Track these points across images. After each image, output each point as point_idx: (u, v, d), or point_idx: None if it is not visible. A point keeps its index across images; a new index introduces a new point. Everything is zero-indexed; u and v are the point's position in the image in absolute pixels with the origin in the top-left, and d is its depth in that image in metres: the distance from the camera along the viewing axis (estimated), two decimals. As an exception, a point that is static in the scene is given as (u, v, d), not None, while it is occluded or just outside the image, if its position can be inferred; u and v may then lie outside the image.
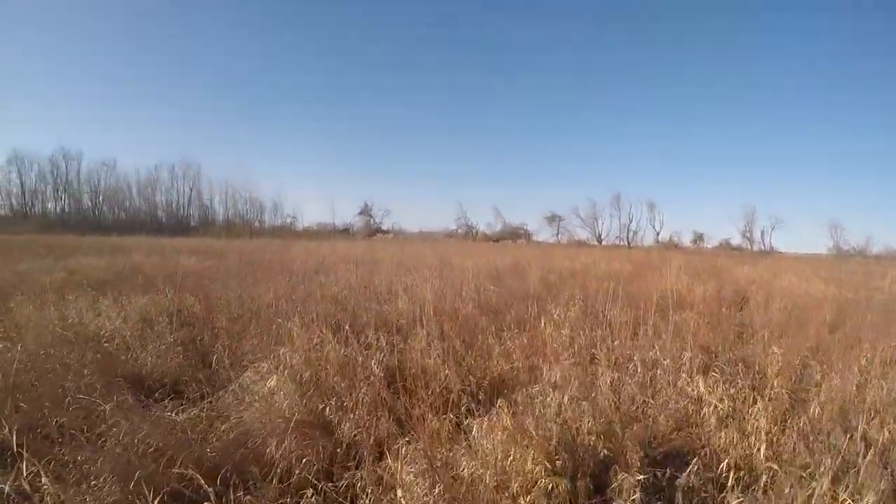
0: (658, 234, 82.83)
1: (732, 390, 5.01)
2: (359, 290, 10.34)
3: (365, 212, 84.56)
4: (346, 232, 77.59)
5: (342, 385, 4.96)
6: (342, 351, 5.59)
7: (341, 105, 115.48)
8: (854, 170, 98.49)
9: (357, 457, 3.97)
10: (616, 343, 6.46)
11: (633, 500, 3.20)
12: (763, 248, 77.20)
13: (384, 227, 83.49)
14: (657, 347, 6.07)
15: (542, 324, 7.31)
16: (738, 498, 3.26)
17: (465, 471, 3.51)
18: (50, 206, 71.69)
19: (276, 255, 21.60)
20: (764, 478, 3.50)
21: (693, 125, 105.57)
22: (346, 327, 6.16)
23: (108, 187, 74.35)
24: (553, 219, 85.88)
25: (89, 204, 73.50)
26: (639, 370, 5.62)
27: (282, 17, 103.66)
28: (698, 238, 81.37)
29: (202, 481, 3.10)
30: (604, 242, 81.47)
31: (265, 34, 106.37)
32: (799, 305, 10.49)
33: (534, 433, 3.65)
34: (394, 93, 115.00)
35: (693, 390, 5.09)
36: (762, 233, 79.34)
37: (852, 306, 9.76)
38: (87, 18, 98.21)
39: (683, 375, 5.44)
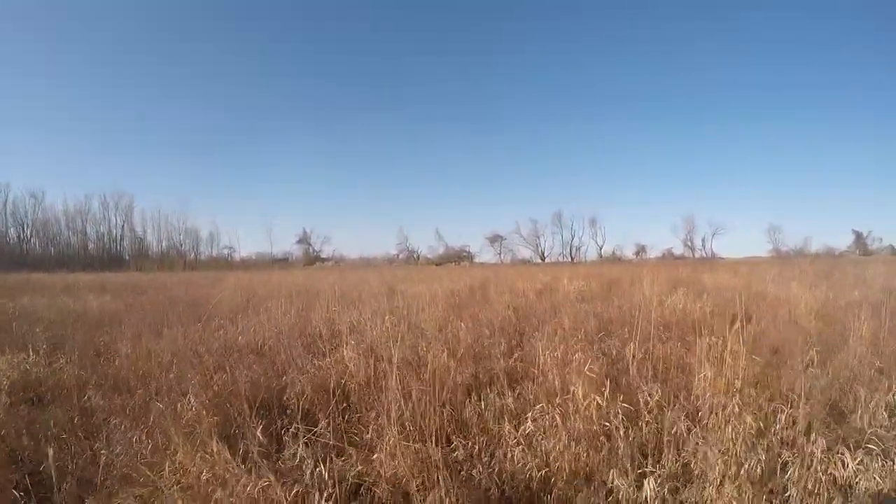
0: (601, 248, 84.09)
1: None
2: (291, 336, 8.69)
3: (304, 240, 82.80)
4: (284, 261, 75.35)
5: None
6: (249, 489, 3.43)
7: (277, 133, 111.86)
8: (791, 172, 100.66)
9: None
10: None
11: None
12: (704, 254, 79.03)
13: (324, 255, 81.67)
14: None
15: (550, 377, 5.71)
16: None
17: None
18: None
19: (203, 289, 19.66)
20: None
21: (631, 138, 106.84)
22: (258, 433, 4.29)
23: (36, 220, 71.04)
24: (495, 239, 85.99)
25: (16, 238, 69.88)
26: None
27: (213, 44, 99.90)
28: (641, 250, 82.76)
29: None
30: (547, 259, 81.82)
31: (195, 61, 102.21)
32: (824, 316, 9.41)
33: None
34: (329, 117, 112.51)
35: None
36: (703, 240, 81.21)
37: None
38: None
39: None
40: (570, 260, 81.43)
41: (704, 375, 5.23)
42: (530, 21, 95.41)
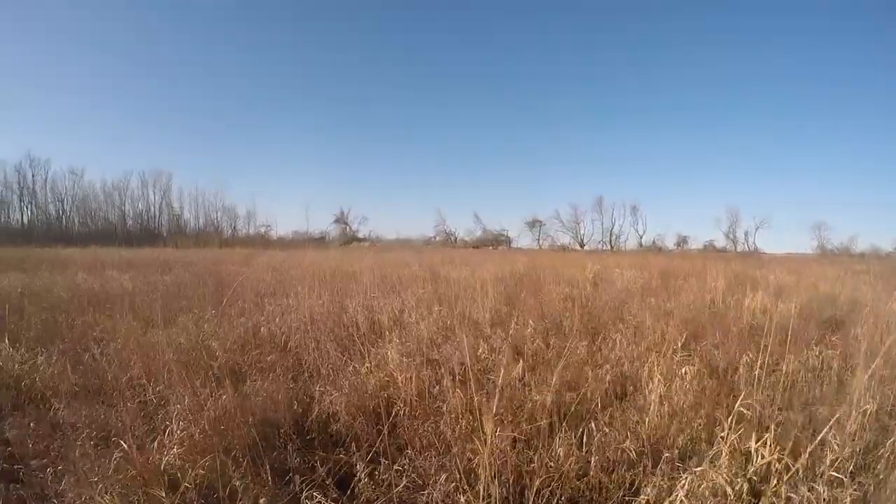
0: (641, 237, 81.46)
1: None
2: (323, 327, 7.30)
3: (341, 219, 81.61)
4: (321, 240, 74.37)
5: None
6: None
7: (317, 113, 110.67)
8: (839, 169, 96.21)
9: None
10: None
11: None
12: (747, 248, 75.71)
13: (360, 235, 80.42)
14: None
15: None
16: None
17: None
18: (16, 215, 68.39)
19: (233, 268, 18.46)
20: None
21: (677, 127, 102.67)
22: None
23: (75, 196, 71.13)
24: (534, 224, 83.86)
25: (56, 214, 70.11)
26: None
27: (257, 23, 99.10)
28: (682, 241, 79.88)
29: None
30: (586, 247, 79.72)
31: (238, 43, 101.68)
32: None
33: None
34: (371, 99, 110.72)
35: None
36: (746, 233, 77.92)
37: None
38: (58, 23, 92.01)
39: None
40: (609, 248, 79.29)
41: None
42: (575, 5, 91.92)
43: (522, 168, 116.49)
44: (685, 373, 4.94)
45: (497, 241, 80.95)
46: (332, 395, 4.66)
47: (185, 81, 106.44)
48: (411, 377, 4.90)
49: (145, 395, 4.70)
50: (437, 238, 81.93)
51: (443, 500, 3.04)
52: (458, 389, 4.24)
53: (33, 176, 68.51)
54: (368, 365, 5.49)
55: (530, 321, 7.57)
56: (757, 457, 3.04)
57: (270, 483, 3.08)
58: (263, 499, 2.88)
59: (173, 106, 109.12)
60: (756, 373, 4.47)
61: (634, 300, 10.55)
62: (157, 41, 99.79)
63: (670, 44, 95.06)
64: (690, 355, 5.88)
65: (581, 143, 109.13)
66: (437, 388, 4.94)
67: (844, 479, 3.02)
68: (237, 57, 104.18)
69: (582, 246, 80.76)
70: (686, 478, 3.02)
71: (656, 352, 5.64)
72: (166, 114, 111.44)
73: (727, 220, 78.22)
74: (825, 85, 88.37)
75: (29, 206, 68.82)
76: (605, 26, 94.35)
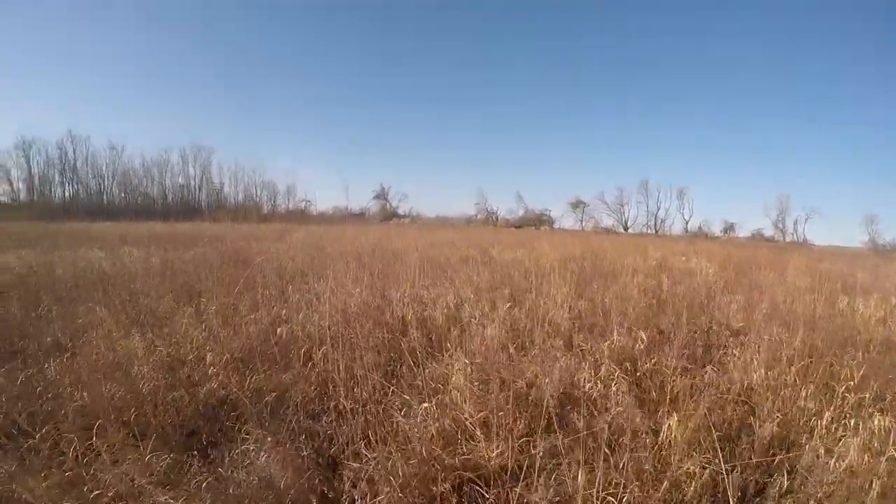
0: (687, 222, 77.80)
1: None
2: (361, 325, 5.56)
3: (381, 196, 79.97)
4: (361, 216, 73.12)
5: None
6: None
7: (359, 89, 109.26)
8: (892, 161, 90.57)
9: None
10: None
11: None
12: (795, 239, 71.84)
13: (401, 212, 78.82)
14: None
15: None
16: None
17: None
18: (58, 191, 68.57)
19: (266, 244, 16.87)
20: None
21: (726, 112, 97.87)
22: None
23: (116, 171, 71.24)
24: (577, 205, 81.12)
25: (98, 189, 70.15)
26: None
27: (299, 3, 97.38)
28: (728, 228, 75.92)
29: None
30: (630, 230, 77.13)
31: (279, 19, 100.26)
32: None
33: None
34: (413, 77, 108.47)
35: None
36: (795, 223, 73.59)
37: None
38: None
39: None
40: (654, 232, 76.23)
41: None
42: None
43: (567, 148, 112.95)
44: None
45: (539, 222, 78.60)
46: (370, 463, 2.85)
47: (228, 58, 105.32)
48: (498, 433, 3.08)
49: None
50: (479, 217, 79.93)
51: None
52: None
53: (74, 152, 68.71)
54: (427, 405, 3.66)
55: (631, 328, 5.69)
56: None
57: None
58: None
59: (215, 82, 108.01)
60: None
61: (719, 297, 8.62)
62: (196, 16, 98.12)
63: (720, 30, 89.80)
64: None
65: (627, 124, 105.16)
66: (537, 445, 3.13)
67: None
68: (282, 33, 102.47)
69: (626, 229, 77.99)
70: None
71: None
72: (210, 90, 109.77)
73: (777, 209, 74.18)
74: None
75: (70, 182, 69.24)
76: (664, 6, 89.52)
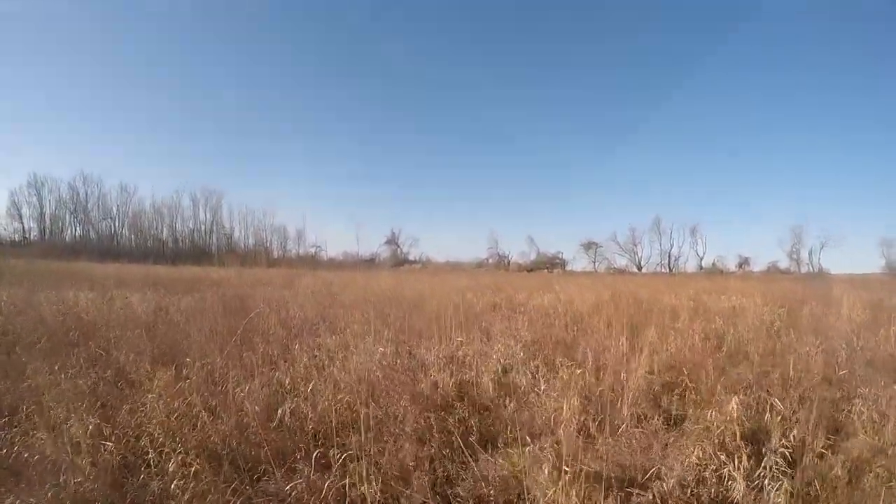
0: (701, 259, 76.99)
1: None
2: (388, 396, 4.28)
3: (392, 241, 79.55)
4: (371, 262, 72.23)
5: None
6: None
7: (368, 134, 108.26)
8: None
9: None
10: None
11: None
12: (811, 269, 70.73)
13: (411, 258, 77.99)
14: None
15: None
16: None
17: None
18: (69, 231, 69.00)
19: (273, 290, 15.55)
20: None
21: (737, 144, 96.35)
22: None
23: (127, 213, 71.64)
24: (590, 246, 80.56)
25: (108, 230, 70.46)
26: None
27: (301, 45, 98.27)
28: (743, 262, 74.90)
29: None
30: (644, 269, 76.40)
31: (283, 62, 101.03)
32: None
33: None
34: (420, 120, 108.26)
35: None
36: (810, 253, 72.12)
37: None
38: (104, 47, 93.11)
39: None
40: (668, 270, 75.36)
41: None
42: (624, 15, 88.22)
43: (577, 189, 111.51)
44: None
45: (552, 264, 77.63)
46: None
47: (234, 103, 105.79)
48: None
49: None
50: (490, 261, 78.91)
51: None
52: None
53: (86, 193, 69.23)
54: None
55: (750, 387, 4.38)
56: None
57: None
58: None
59: (224, 127, 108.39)
60: None
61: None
62: (197, 60, 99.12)
63: (726, 61, 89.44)
64: None
65: (636, 163, 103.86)
66: None
67: None
68: (285, 79, 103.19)
69: (640, 269, 77.17)
70: None
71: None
72: (216, 134, 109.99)
73: (791, 240, 72.65)
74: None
75: (81, 223, 69.47)
76: (671, 41, 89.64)
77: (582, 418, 4.40)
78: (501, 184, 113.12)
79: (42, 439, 3.54)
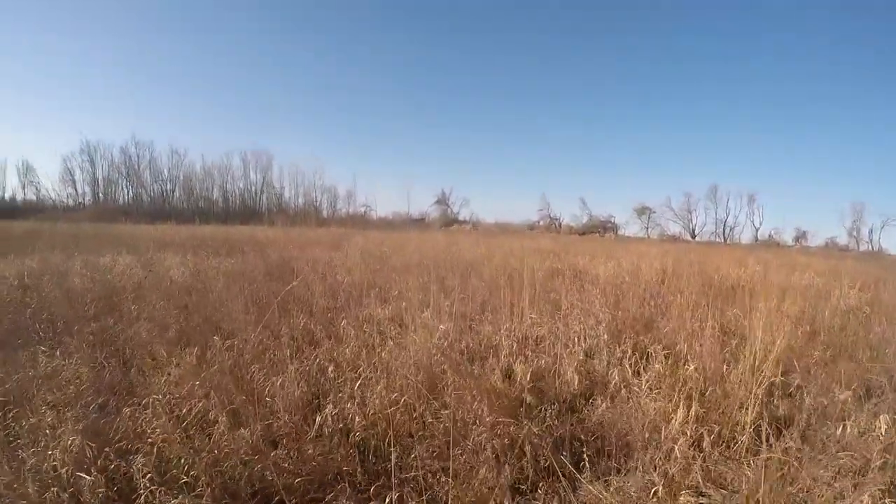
0: (757, 230, 73.79)
1: None
2: (459, 385, 3.33)
3: (442, 201, 77.86)
4: (421, 221, 71.41)
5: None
6: None
7: (419, 96, 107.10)
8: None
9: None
10: None
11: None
12: (870, 247, 67.33)
13: (461, 218, 76.59)
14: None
15: None
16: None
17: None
18: (122, 194, 70.17)
19: (321, 251, 14.73)
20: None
21: (799, 117, 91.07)
22: None
23: (178, 175, 72.30)
24: (643, 211, 77.30)
25: (160, 192, 71.34)
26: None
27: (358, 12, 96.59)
28: (801, 236, 71.32)
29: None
30: (697, 238, 73.12)
31: (340, 29, 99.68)
32: None
33: None
34: (472, 80, 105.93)
35: None
36: (870, 231, 68.84)
37: None
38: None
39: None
40: (723, 240, 72.38)
41: None
42: None
43: (632, 151, 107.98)
44: None
45: (604, 229, 74.98)
46: None
47: (294, 67, 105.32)
48: None
49: None
50: (541, 223, 77.08)
51: None
52: None
53: (138, 156, 70.06)
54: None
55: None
56: None
57: None
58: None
59: (278, 88, 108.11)
60: None
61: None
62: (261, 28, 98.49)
63: (793, 34, 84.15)
64: None
65: (696, 127, 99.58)
66: None
67: None
68: (342, 43, 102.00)
69: (693, 237, 74.02)
70: None
71: None
72: (271, 95, 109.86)
73: (852, 216, 69.52)
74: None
75: (133, 186, 70.51)
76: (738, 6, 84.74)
77: (694, 427, 3.42)
78: (552, 143, 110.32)
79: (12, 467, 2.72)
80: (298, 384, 3.72)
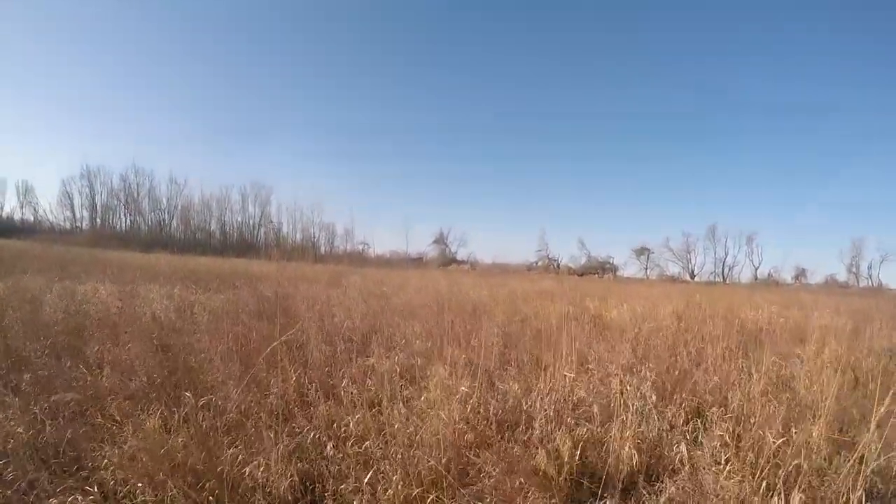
0: (757, 269, 73.81)
1: None
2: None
3: (440, 240, 77.52)
4: (419, 261, 70.74)
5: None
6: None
7: (417, 136, 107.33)
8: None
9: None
10: None
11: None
12: (870, 283, 67.51)
13: (459, 258, 76.05)
14: None
15: None
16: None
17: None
18: (119, 221, 70.50)
19: (317, 288, 13.78)
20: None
21: (794, 152, 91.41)
22: None
23: (176, 205, 72.38)
24: (642, 252, 77.66)
25: (157, 221, 71.45)
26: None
27: (335, 45, 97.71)
28: (800, 274, 71.50)
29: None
30: (696, 278, 73.26)
31: (323, 61, 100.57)
32: None
33: None
34: (472, 118, 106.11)
35: None
36: (869, 266, 69.38)
37: None
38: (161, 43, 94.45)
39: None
40: (722, 280, 72.73)
41: None
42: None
43: (629, 193, 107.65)
44: None
45: (603, 269, 74.86)
46: None
47: (287, 103, 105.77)
48: None
49: None
50: (539, 264, 76.43)
51: None
52: None
53: (137, 184, 70.24)
54: None
55: None
56: None
57: None
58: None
59: (276, 123, 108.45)
60: None
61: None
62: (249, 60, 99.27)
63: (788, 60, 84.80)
64: None
65: (691, 167, 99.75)
66: None
67: None
68: (340, 80, 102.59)
69: (692, 277, 74.04)
70: None
71: None
72: (268, 131, 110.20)
73: (851, 252, 70.31)
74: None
75: (131, 213, 70.58)
76: (731, 38, 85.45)
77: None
78: (550, 184, 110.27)
79: None
80: (287, 470, 2.88)
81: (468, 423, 3.60)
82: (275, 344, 4.02)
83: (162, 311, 7.82)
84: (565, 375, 4.70)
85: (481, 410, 3.94)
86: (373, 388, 4.37)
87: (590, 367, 5.56)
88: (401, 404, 3.90)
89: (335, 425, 3.68)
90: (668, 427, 4.06)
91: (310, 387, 4.52)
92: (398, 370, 5.22)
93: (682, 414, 4.30)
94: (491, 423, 3.83)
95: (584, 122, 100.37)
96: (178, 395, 3.83)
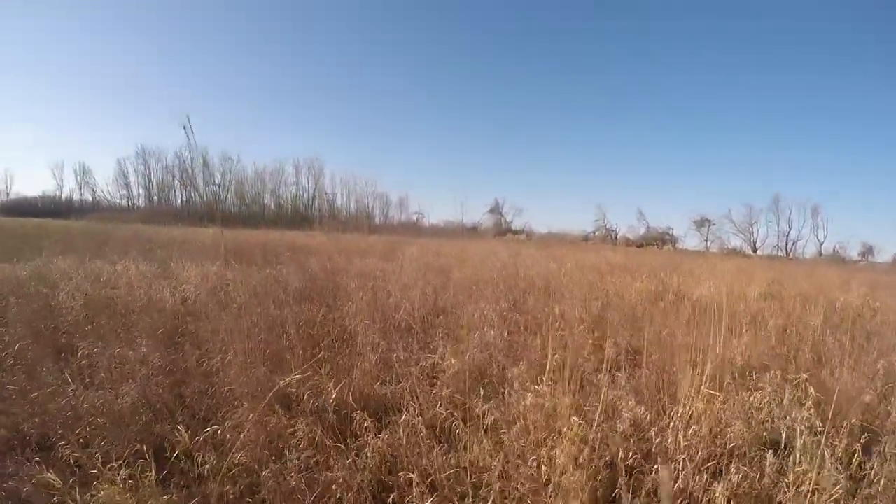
0: (822, 244, 69.27)
1: None
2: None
3: (495, 210, 76.35)
4: (474, 230, 69.74)
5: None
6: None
7: (474, 104, 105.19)
8: None
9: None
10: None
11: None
12: None
13: (514, 227, 74.51)
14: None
15: None
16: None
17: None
18: (175, 197, 72.23)
19: (369, 262, 12.70)
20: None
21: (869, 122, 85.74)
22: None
23: (231, 179, 73.17)
24: (702, 223, 73.52)
25: (212, 196, 71.92)
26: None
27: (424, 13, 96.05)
28: (867, 251, 66.73)
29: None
30: (759, 252, 69.55)
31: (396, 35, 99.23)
32: None
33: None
34: (528, 88, 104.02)
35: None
36: None
37: None
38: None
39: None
40: (785, 254, 68.25)
41: None
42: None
43: (692, 160, 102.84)
44: None
45: (662, 241, 72.14)
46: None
47: (343, 71, 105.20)
48: None
49: None
50: (596, 234, 74.32)
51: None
52: None
53: (192, 161, 70.78)
54: None
55: None
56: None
57: None
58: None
59: (332, 95, 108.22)
60: None
61: None
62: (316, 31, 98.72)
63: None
64: None
65: (756, 137, 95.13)
66: None
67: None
68: (396, 46, 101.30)
69: (755, 251, 70.31)
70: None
71: None
72: (325, 102, 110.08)
73: None
74: None
75: (186, 189, 71.91)
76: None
77: None
78: (608, 150, 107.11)
79: None
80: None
81: (578, 465, 2.42)
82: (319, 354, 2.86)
83: (192, 293, 6.82)
84: (707, 391, 3.33)
85: (597, 447, 2.71)
86: (439, 402, 3.21)
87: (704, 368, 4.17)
88: (482, 434, 2.71)
89: (391, 471, 2.52)
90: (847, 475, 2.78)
91: (357, 401, 3.35)
92: (469, 369, 4.00)
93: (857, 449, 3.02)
94: (609, 468, 2.61)
95: (643, 85, 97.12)
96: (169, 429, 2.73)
